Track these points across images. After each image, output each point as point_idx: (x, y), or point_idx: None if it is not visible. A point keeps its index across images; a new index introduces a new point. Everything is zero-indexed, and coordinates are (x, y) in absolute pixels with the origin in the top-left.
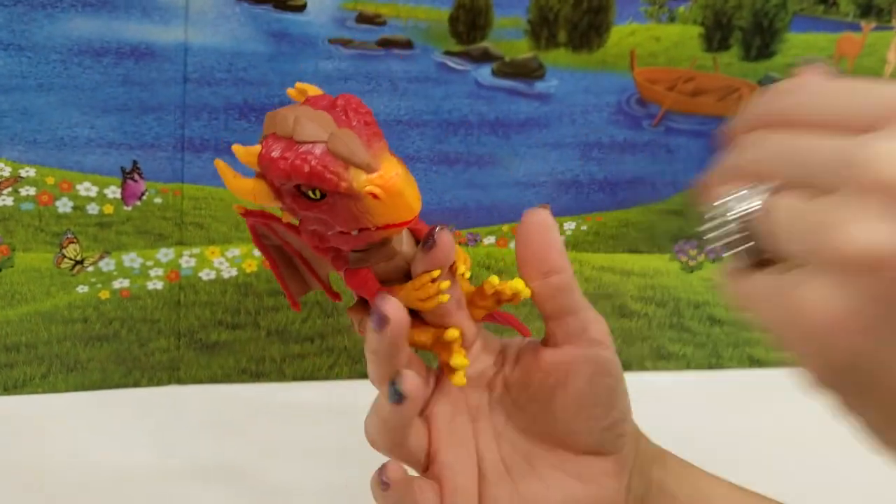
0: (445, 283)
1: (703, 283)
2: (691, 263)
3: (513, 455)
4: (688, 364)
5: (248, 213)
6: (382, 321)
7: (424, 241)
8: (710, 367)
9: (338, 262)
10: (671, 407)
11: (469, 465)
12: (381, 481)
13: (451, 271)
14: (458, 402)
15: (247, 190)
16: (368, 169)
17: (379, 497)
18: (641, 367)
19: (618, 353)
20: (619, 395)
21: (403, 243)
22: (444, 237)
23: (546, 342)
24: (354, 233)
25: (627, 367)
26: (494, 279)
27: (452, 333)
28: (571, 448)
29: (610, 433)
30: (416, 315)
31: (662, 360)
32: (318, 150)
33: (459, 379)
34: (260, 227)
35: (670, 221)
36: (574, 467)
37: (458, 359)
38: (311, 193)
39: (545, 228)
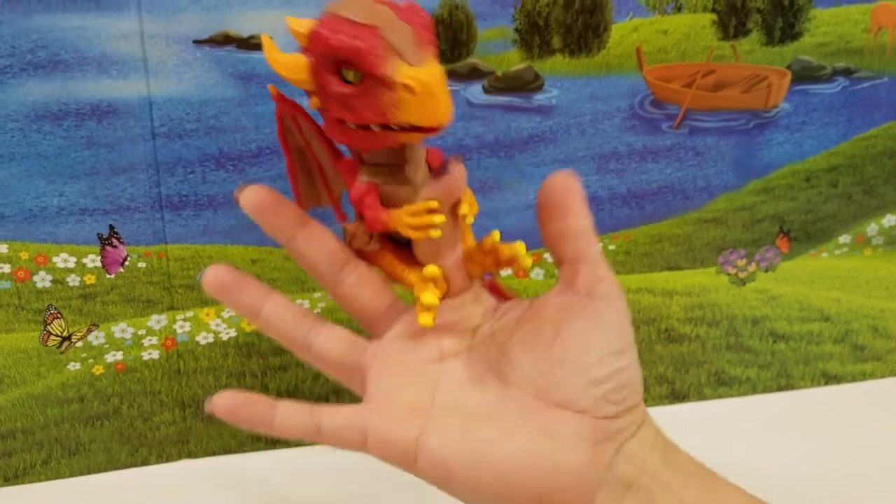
0: (440, 217)
1: (757, 295)
2: (741, 275)
3: (480, 400)
4: (753, 388)
5: (280, 98)
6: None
7: (438, 170)
8: (780, 388)
9: (349, 173)
10: (737, 436)
11: (410, 394)
12: None
13: (454, 212)
14: (428, 342)
15: (285, 62)
16: (412, 62)
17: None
18: (700, 396)
19: (670, 381)
20: (615, 353)
21: (418, 173)
22: (458, 169)
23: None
24: (377, 128)
25: (683, 397)
26: (496, 234)
27: (431, 269)
28: (548, 398)
29: (596, 389)
30: (409, 254)
31: (723, 386)
32: (370, 32)
33: (425, 319)
34: (288, 121)
35: (710, 231)
36: (541, 421)
37: (427, 296)
38: (348, 75)
39: (566, 180)
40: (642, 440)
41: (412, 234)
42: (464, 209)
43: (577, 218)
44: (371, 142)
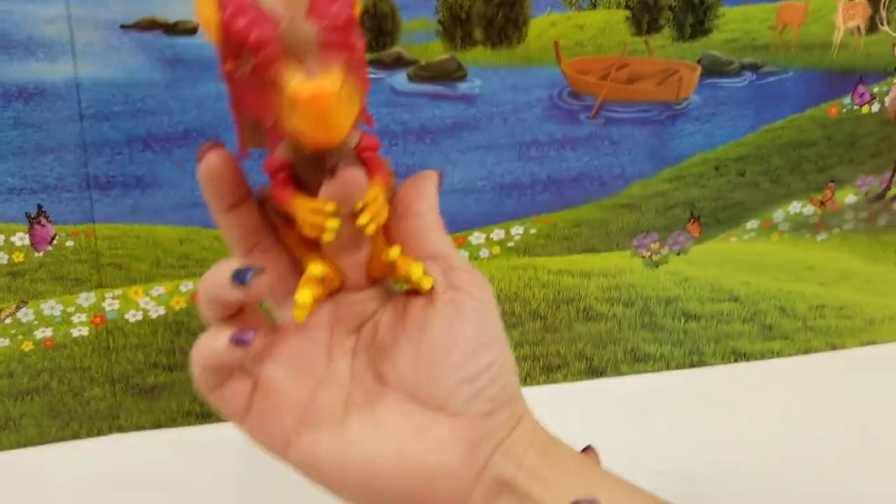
0: (334, 222)
1: (670, 277)
2: (654, 258)
3: (360, 399)
4: (667, 364)
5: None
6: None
7: (330, 169)
8: (692, 365)
9: (274, 138)
10: (652, 410)
11: (298, 386)
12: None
13: (354, 214)
14: (319, 340)
15: (206, 17)
16: (310, 70)
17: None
18: (617, 372)
19: (589, 357)
20: (481, 347)
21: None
22: (348, 175)
23: None
24: (269, 124)
25: (601, 372)
26: (395, 251)
27: (313, 269)
28: (420, 400)
29: (468, 387)
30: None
31: (639, 362)
32: (270, 26)
33: (298, 314)
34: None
35: (625, 216)
36: (416, 422)
37: (302, 294)
38: (248, 60)
39: (415, 180)
40: (520, 436)
41: (305, 231)
42: (362, 219)
43: (419, 216)
44: (270, 133)
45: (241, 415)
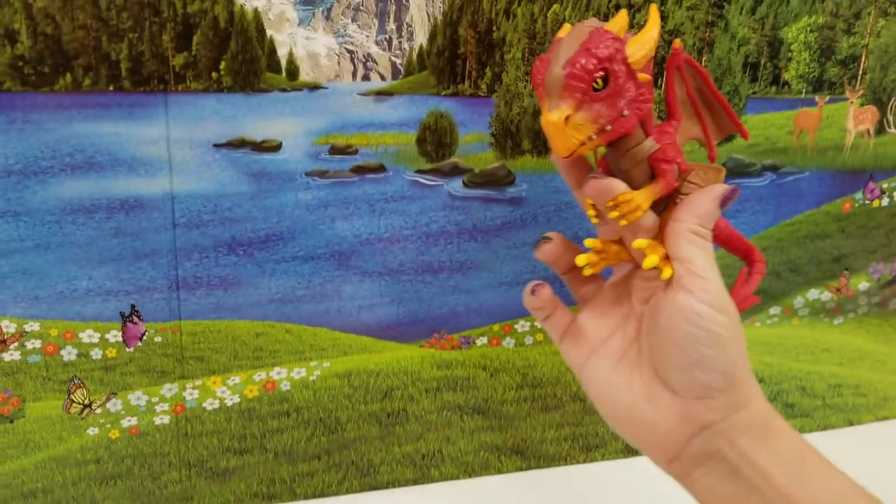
0: (590, 211)
1: None
2: None
3: (631, 356)
4: None
5: (678, 52)
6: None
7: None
8: None
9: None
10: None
11: (598, 329)
12: (532, 288)
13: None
14: (620, 303)
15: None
16: (549, 107)
17: (528, 300)
18: None
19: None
20: (695, 344)
21: (633, 169)
22: (592, 183)
23: None
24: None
25: (636, 451)
26: (641, 243)
27: (587, 242)
28: (657, 373)
29: (684, 374)
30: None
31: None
32: (543, 70)
33: (585, 270)
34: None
35: None
36: (651, 389)
37: (579, 258)
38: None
39: (699, 192)
40: (737, 421)
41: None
42: (612, 215)
43: (677, 222)
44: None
45: (558, 339)
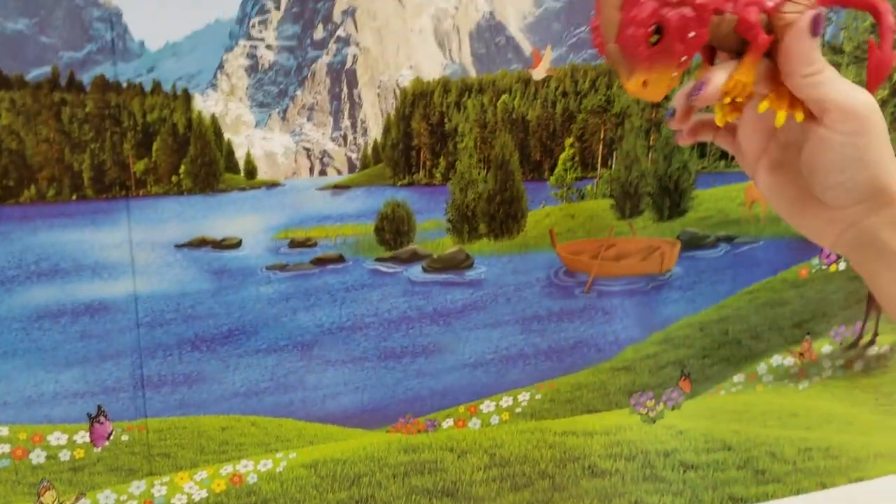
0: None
1: (667, 430)
2: (651, 414)
3: (787, 163)
4: None
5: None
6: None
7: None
8: None
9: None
10: None
11: (750, 147)
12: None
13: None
14: (764, 128)
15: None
16: (624, 73)
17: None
18: None
19: None
20: (838, 169)
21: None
22: (696, 86)
23: None
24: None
25: None
26: (764, 105)
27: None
28: (809, 187)
29: (826, 192)
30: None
31: None
32: (608, 45)
33: (717, 119)
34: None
35: (622, 377)
36: (801, 195)
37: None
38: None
39: (787, 43)
40: (879, 219)
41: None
42: (726, 100)
43: (789, 77)
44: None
45: (733, 152)
